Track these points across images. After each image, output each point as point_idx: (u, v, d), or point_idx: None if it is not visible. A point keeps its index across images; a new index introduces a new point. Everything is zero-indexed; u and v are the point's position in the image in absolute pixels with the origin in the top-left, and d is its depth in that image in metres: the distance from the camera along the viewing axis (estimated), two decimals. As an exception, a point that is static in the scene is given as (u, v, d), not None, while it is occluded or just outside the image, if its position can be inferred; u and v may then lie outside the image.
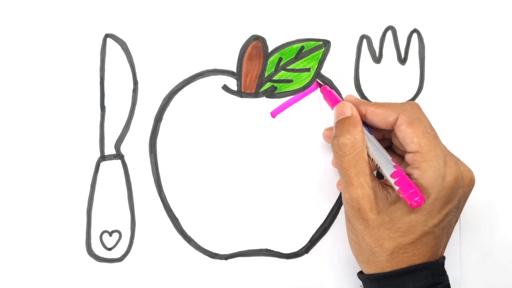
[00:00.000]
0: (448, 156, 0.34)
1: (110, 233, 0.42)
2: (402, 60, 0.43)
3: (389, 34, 0.43)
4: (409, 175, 0.34)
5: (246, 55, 0.43)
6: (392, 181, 0.33)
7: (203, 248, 0.43)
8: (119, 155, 0.43)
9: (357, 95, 0.43)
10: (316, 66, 0.43)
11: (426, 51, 0.43)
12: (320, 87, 0.41)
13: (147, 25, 0.43)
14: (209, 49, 0.43)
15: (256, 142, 0.43)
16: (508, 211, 0.43)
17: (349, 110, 0.36)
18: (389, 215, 0.34)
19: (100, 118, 0.43)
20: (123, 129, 0.43)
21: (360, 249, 0.35)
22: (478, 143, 0.43)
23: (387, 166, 0.34)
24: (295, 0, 0.43)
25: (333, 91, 0.40)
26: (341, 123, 0.36)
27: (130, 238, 0.42)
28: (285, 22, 0.43)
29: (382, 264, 0.34)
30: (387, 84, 0.43)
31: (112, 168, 0.43)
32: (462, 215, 0.42)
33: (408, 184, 0.33)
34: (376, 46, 0.43)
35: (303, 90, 0.43)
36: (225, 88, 0.43)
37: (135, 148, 0.43)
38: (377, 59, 0.43)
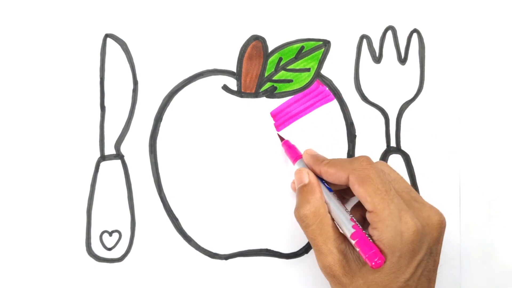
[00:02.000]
0: (403, 211, 0.33)
1: (110, 233, 0.42)
2: (402, 60, 0.43)
3: (389, 34, 0.43)
4: (371, 236, 0.33)
5: (246, 55, 0.43)
6: (352, 242, 0.33)
7: (203, 248, 0.43)
8: (119, 155, 0.43)
9: (357, 95, 0.43)
10: (316, 66, 0.43)
11: (426, 51, 0.43)
12: (281, 141, 0.41)
13: (147, 25, 0.43)
14: (209, 49, 0.43)
15: (256, 142, 0.43)
16: (508, 210, 0.43)
17: (306, 177, 0.37)
18: (363, 277, 0.33)
19: (100, 118, 0.43)
20: (123, 129, 0.43)
21: None
22: (478, 143, 0.43)
23: (346, 227, 0.34)
24: (295, 0, 0.43)
25: (294, 146, 0.41)
26: (301, 191, 0.36)
27: (130, 238, 0.42)
28: (285, 22, 0.43)
29: None
30: (387, 84, 0.43)
31: (112, 168, 0.43)
32: (462, 214, 0.42)
33: (367, 245, 0.33)
34: (376, 46, 0.43)
35: (303, 90, 0.43)
36: (225, 88, 0.43)
37: (135, 148, 0.43)
38: (377, 59, 0.43)
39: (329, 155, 0.43)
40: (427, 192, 0.42)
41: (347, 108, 0.43)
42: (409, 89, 0.43)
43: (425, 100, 0.43)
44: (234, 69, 0.43)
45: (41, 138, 0.43)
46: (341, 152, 0.43)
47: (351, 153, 0.43)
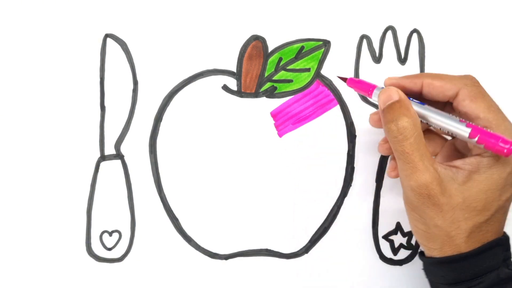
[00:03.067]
0: None
1: (110, 233, 0.42)
2: (402, 60, 0.43)
3: (389, 34, 0.43)
4: (479, 155, 0.32)
5: (246, 55, 0.43)
6: (473, 141, 0.32)
7: (203, 248, 0.43)
8: (119, 155, 0.43)
9: (357, 95, 0.43)
10: (316, 66, 0.43)
11: (426, 51, 0.43)
12: (345, 81, 0.38)
13: (147, 25, 0.43)
14: (209, 49, 0.43)
15: (256, 142, 0.43)
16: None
17: (396, 94, 0.34)
18: (461, 195, 0.32)
19: (100, 118, 0.43)
20: (123, 129, 0.43)
21: (431, 237, 0.34)
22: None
23: (460, 128, 0.32)
24: (295, 0, 0.43)
25: (362, 79, 0.38)
26: (392, 108, 0.33)
27: (130, 238, 0.42)
28: (285, 22, 0.43)
29: (460, 246, 0.33)
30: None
31: (112, 168, 0.43)
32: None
33: (492, 136, 0.31)
34: (376, 46, 0.43)
35: (303, 90, 0.43)
36: (225, 88, 0.43)
37: (135, 148, 0.43)
38: (377, 59, 0.43)
39: (329, 153, 0.43)
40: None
41: (347, 108, 0.43)
42: (409, 89, 0.43)
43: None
44: (234, 69, 0.43)
45: (41, 138, 0.43)
46: (341, 152, 0.43)
47: (351, 153, 0.43)
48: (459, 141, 0.36)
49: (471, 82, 0.34)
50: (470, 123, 0.32)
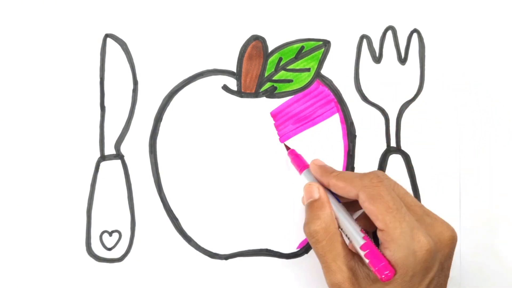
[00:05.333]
0: (415, 229, 0.32)
1: (110, 233, 0.42)
2: (402, 60, 0.43)
3: (389, 34, 0.43)
4: (383, 254, 0.33)
5: (246, 55, 0.43)
6: (362, 253, 0.33)
7: (203, 248, 0.43)
8: (119, 155, 0.43)
9: (357, 95, 0.43)
10: (316, 66, 0.43)
11: (426, 51, 0.43)
12: (287, 150, 0.41)
13: (147, 25, 0.43)
14: (209, 49, 0.43)
15: (256, 142, 0.43)
16: (508, 211, 0.43)
17: (316, 192, 0.36)
18: None
19: (100, 118, 0.43)
20: (123, 129, 0.43)
21: None
22: (478, 143, 0.43)
23: (356, 238, 0.34)
24: (295, 0, 0.43)
25: (301, 155, 0.40)
26: (310, 207, 0.35)
27: (130, 238, 0.42)
28: (285, 22, 0.43)
29: None
30: (387, 84, 0.43)
31: (112, 168, 0.43)
32: (462, 215, 0.42)
33: (377, 257, 0.32)
34: (376, 46, 0.43)
35: (303, 90, 0.43)
36: (225, 88, 0.43)
37: (135, 148, 0.43)
38: (377, 59, 0.43)
39: (329, 153, 0.43)
40: (427, 192, 0.43)
41: (347, 108, 0.43)
42: (409, 89, 0.43)
43: (425, 100, 0.43)
44: (234, 69, 0.43)
45: (41, 138, 0.43)
46: (341, 152, 0.43)
47: (351, 153, 0.43)
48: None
49: (370, 182, 0.34)
50: (368, 237, 0.34)
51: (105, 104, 0.43)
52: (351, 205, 0.37)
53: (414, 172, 0.43)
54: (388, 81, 0.43)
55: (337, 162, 0.43)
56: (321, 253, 0.34)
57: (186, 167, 0.43)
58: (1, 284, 0.42)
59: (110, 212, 0.42)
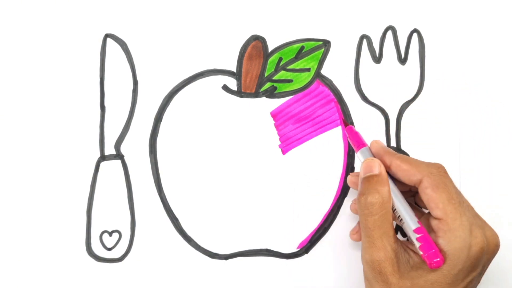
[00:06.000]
0: (474, 225, 0.33)
1: (110, 233, 0.42)
2: (402, 60, 0.43)
3: (389, 34, 0.43)
4: (435, 243, 0.33)
5: (246, 55, 0.43)
6: (414, 236, 0.33)
7: (203, 248, 0.43)
8: (119, 155, 0.43)
9: (357, 95, 0.43)
10: (316, 66, 0.43)
11: (426, 51, 0.43)
12: (346, 126, 0.40)
13: (147, 25, 0.43)
14: (209, 49, 0.43)
15: (256, 142, 0.43)
16: (508, 210, 0.43)
17: (377, 167, 0.35)
18: (411, 280, 0.33)
19: (100, 118, 0.43)
20: (123, 129, 0.43)
21: None
22: (478, 143, 0.43)
23: (410, 221, 0.34)
24: (295, 0, 0.43)
25: (358, 133, 0.39)
26: (369, 180, 0.35)
27: (130, 238, 0.42)
28: (285, 22, 0.43)
29: None
30: (387, 84, 0.43)
31: (112, 168, 0.43)
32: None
33: (429, 243, 0.32)
34: (376, 46, 0.43)
35: (303, 90, 0.43)
36: (225, 88, 0.43)
37: (135, 148, 0.43)
38: (377, 59, 0.43)
39: (329, 154, 0.43)
40: (427, 192, 0.42)
41: (347, 108, 0.43)
42: (409, 89, 0.43)
43: (425, 100, 0.43)
44: (234, 69, 0.43)
45: (41, 138, 0.43)
46: (341, 152, 0.43)
47: (351, 153, 0.43)
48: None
49: (436, 170, 0.34)
50: (421, 222, 0.34)
51: (105, 104, 0.43)
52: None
53: (414, 172, 0.43)
54: (388, 81, 0.43)
55: (337, 162, 0.43)
56: (371, 226, 0.34)
57: (186, 167, 0.43)
58: (1, 284, 0.42)
59: (110, 212, 0.42)
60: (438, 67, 0.43)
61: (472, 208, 0.35)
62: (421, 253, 0.33)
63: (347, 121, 0.42)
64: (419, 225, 0.33)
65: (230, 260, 0.43)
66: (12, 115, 0.43)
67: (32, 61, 0.43)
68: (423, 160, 0.36)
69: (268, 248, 0.43)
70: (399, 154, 0.36)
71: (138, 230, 0.43)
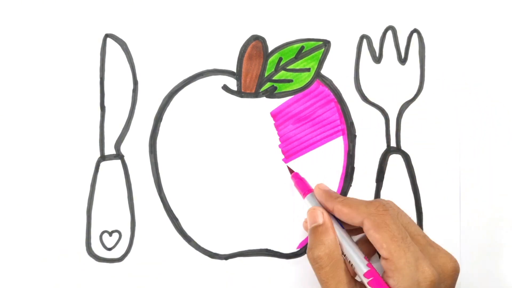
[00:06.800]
0: (420, 259, 0.33)
1: (110, 233, 0.42)
2: (402, 60, 0.43)
3: (389, 34, 0.43)
4: (386, 284, 0.33)
5: (246, 55, 0.43)
6: (365, 281, 0.33)
7: (203, 248, 0.43)
8: (119, 155, 0.43)
9: (357, 95, 0.43)
10: (316, 66, 0.43)
11: (426, 51, 0.43)
12: (291, 174, 0.41)
13: (147, 25, 0.43)
14: (209, 49, 0.43)
15: (256, 142, 0.43)
16: (508, 211, 0.43)
17: (320, 217, 0.36)
18: None
19: (100, 118, 0.43)
20: (123, 129, 0.43)
21: None
22: (478, 143, 0.43)
23: (360, 265, 0.34)
24: (295, 0, 0.43)
25: (304, 179, 0.40)
26: (314, 232, 0.35)
27: (130, 238, 0.42)
28: (285, 22, 0.43)
29: None
30: (387, 84, 0.43)
31: (112, 168, 0.43)
32: (462, 215, 0.42)
33: (381, 286, 0.32)
34: (376, 46, 0.43)
35: (303, 90, 0.43)
36: (225, 88, 0.43)
37: (135, 148, 0.43)
38: (377, 59, 0.43)
39: (327, 154, 0.43)
40: (427, 192, 0.42)
41: (347, 108, 0.43)
42: (409, 89, 0.43)
43: (425, 100, 0.43)
44: (234, 69, 0.43)
45: (41, 138, 0.43)
46: (341, 152, 0.43)
47: (351, 153, 0.43)
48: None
49: (375, 210, 0.34)
50: (372, 265, 0.34)
51: (105, 104, 0.43)
52: (353, 230, 0.38)
53: (414, 172, 0.43)
54: (388, 81, 0.43)
55: (337, 162, 0.43)
56: (324, 279, 0.34)
57: (186, 167, 0.43)
58: (1, 284, 0.42)
59: (110, 212, 0.42)
60: (438, 67, 0.43)
61: (421, 239, 0.35)
62: None
63: (291, 168, 0.42)
64: (368, 268, 0.33)
65: (230, 260, 0.43)
66: (12, 115, 0.43)
67: (32, 61, 0.43)
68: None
69: (268, 248, 0.43)
70: (341, 198, 0.37)
71: (138, 230, 0.43)
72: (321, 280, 0.34)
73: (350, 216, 0.35)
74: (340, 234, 0.35)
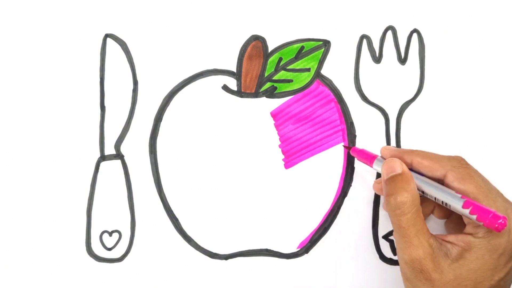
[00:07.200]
0: (509, 209, 0.33)
1: (110, 233, 0.42)
2: (402, 60, 0.43)
3: (389, 34, 0.43)
4: (472, 234, 0.33)
5: (246, 55, 0.43)
6: (466, 212, 0.32)
7: (203, 248, 0.43)
8: (119, 155, 0.43)
9: (357, 95, 0.43)
10: (316, 66, 0.43)
11: (426, 51, 0.43)
12: (349, 150, 0.41)
13: (147, 25, 0.43)
14: (209, 49, 0.43)
15: (256, 142, 0.43)
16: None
17: (399, 166, 0.35)
18: (453, 272, 0.32)
19: (100, 118, 0.43)
20: (123, 129, 0.43)
21: None
22: (478, 143, 0.43)
23: (454, 200, 0.33)
24: (295, 0, 0.43)
25: (364, 149, 0.40)
26: (394, 180, 0.35)
27: (130, 238, 0.42)
28: (285, 22, 0.43)
29: None
30: (387, 84, 0.43)
31: (112, 168, 0.43)
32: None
33: (483, 211, 0.32)
34: (376, 46, 0.43)
35: (303, 90, 0.43)
36: (225, 88, 0.43)
37: (135, 148, 0.43)
38: (377, 59, 0.43)
39: (329, 153, 0.43)
40: (427, 192, 0.42)
41: (347, 108, 0.43)
42: (409, 89, 0.43)
43: (425, 100, 0.43)
44: (234, 69, 0.43)
45: (41, 138, 0.43)
46: (341, 152, 0.43)
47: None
48: (454, 216, 0.36)
49: (459, 164, 0.34)
50: (464, 196, 0.33)
51: (105, 104, 0.43)
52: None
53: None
54: (388, 81, 0.43)
55: (337, 162, 0.43)
56: (405, 226, 0.33)
57: (186, 167, 0.43)
58: (1, 284, 0.42)
59: (110, 212, 0.42)
60: (438, 67, 0.43)
61: (501, 194, 0.34)
62: (482, 223, 0.32)
63: (348, 144, 0.42)
64: (464, 199, 0.33)
65: (230, 260, 0.43)
66: (12, 115, 0.43)
67: (32, 61, 0.43)
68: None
69: (268, 248, 0.43)
70: (417, 151, 0.37)
71: (138, 230, 0.43)
72: (400, 228, 0.34)
73: (431, 169, 0.35)
74: (422, 181, 0.35)
